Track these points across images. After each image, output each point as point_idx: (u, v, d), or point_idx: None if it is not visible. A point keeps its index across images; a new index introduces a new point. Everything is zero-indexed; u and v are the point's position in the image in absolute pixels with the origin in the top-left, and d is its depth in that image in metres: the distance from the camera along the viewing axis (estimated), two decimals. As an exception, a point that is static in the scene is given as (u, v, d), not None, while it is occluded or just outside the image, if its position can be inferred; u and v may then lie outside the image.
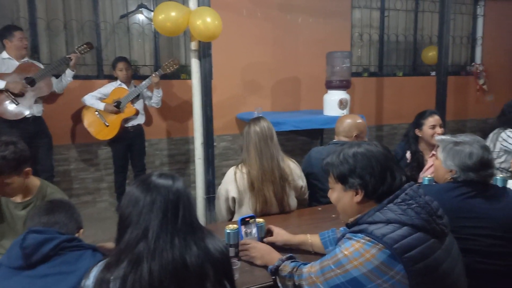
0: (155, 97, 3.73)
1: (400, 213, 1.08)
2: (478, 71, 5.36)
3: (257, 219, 1.64)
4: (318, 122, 3.97)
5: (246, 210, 2.01)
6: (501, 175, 2.03)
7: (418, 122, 2.63)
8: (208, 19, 2.79)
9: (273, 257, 1.44)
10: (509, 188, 1.59)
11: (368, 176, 1.15)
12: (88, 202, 4.07)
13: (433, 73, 4.91)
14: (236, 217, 2.06)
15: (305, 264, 1.26)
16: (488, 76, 5.40)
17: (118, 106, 3.58)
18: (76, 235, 1.38)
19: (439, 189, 1.51)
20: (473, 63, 5.48)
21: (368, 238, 1.06)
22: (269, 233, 1.66)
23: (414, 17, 5.21)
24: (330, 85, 3.99)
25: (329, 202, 1.34)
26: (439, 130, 2.55)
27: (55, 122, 3.66)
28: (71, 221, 1.37)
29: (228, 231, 1.55)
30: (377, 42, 5.10)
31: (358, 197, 1.17)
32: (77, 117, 3.83)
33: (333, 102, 3.93)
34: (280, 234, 1.63)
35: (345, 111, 3.88)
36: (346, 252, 1.08)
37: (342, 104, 3.89)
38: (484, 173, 1.47)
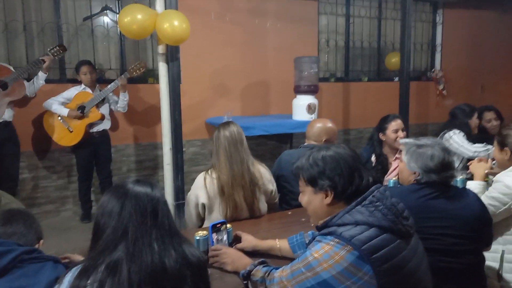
0: (121, 101, 3.64)
1: (368, 215, 1.11)
2: (438, 76, 5.61)
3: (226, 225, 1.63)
4: (288, 127, 4.01)
5: (216, 216, 2.00)
6: (461, 177, 2.12)
7: (381, 126, 2.71)
8: (176, 23, 2.76)
9: (245, 262, 1.43)
10: (468, 189, 1.67)
11: (337, 177, 1.18)
12: (51, 212, 3.89)
13: (396, 79, 5.10)
14: (206, 223, 2.04)
15: (277, 268, 1.26)
16: (447, 82, 5.67)
17: (82, 111, 3.46)
18: (36, 246, 1.32)
19: (403, 191, 1.56)
20: (433, 69, 5.73)
21: (337, 240, 1.08)
22: (237, 239, 1.66)
23: (378, 24, 5.40)
24: (298, 90, 4.04)
25: (299, 205, 1.35)
26: (401, 134, 2.64)
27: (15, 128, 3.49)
28: (30, 231, 1.31)
29: (197, 237, 1.53)
30: (343, 48, 5.23)
31: (328, 199, 1.20)
32: (38, 123, 3.66)
33: (301, 107, 3.98)
34: (248, 240, 1.64)
35: (313, 116, 3.94)
36: (316, 255, 1.09)
37: (310, 108, 3.96)
38: (445, 175, 1.53)
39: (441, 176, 1.53)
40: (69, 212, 3.96)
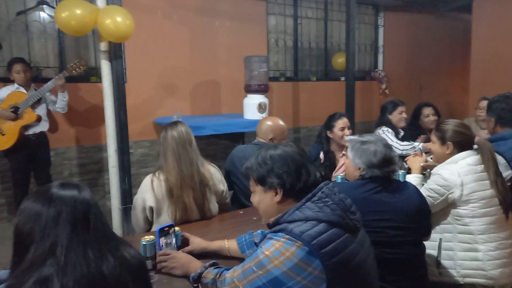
0: (60, 102, 3.41)
1: (317, 210, 1.13)
2: (381, 76, 5.90)
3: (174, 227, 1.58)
4: (239, 126, 3.99)
5: (165, 219, 1.93)
6: (402, 171, 2.24)
7: (329, 124, 2.80)
8: (119, 19, 2.63)
9: (195, 265, 1.40)
10: (409, 182, 1.76)
11: (285, 174, 1.20)
12: (-18, 222, 3.56)
13: (343, 78, 5.28)
14: (155, 227, 1.96)
15: (228, 269, 1.25)
16: (389, 81, 5.98)
17: (15, 112, 3.20)
18: None
19: (349, 186, 1.62)
20: (376, 69, 6.02)
21: (287, 236, 1.09)
22: (186, 242, 1.62)
23: (324, 26, 5.56)
24: (249, 89, 4.05)
25: (250, 202, 1.36)
26: (347, 131, 2.74)
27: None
28: None
29: (144, 243, 1.46)
30: (292, 48, 5.32)
31: (278, 197, 1.22)
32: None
33: (252, 106, 3.99)
34: (196, 242, 1.61)
35: (264, 115, 3.97)
36: (267, 253, 1.09)
37: (261, 107, 3.98)
38: (387, 169, 1.60)
39: (383, 171, 1.59)
40: (4, 222, 3.65)
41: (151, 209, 1.94)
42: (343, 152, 2.71)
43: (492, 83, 5.08)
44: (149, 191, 1.92)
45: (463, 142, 1.90)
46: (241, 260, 1.44)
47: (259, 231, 1.58)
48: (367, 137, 1.67)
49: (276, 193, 1.22)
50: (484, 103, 3.06)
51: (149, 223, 2.01)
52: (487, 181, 1.80)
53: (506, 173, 1.99)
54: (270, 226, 1.24)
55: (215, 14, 4.54)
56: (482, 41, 5.56)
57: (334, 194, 1.18)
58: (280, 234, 1.11)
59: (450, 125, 1.95)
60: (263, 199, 1.26)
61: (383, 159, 1.58)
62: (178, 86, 4.41)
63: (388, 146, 1.64)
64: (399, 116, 3.21)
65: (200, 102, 4.55)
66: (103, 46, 2.82)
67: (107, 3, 2.77)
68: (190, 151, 1.97)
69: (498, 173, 1.79)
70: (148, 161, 4.30)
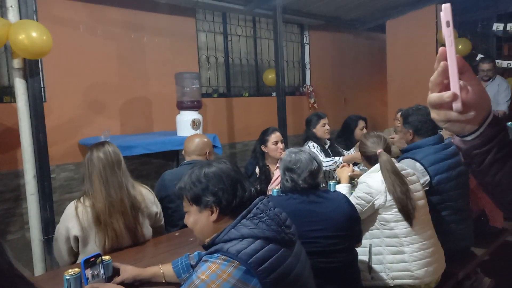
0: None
1: (253, 227, 1.12)
2: (309, 91, 6.19)
3: (104, 257, 1.46)
4: (172, 144, 3.88)
5: (92, 248, 1.79)
6: (333, 181, 2.35)
7: (263, 139, 2.85)
8: (34, 34, 2.44)
9: None
10: (339, 192, 1.84)
11: (220, 192, 1.18)
12: None
13: (274, 94, 5.44)
14: (81, 258, 1.80)
15: None
16: (317, 95, 6.29)
17: None
18: None
19: (282, 199, 1.66)
20: (304, 85, 6.30)
21: (224, 257, 1.07)
22: (116, 271, 1.51)
23: (254, 43, 5.70)
24: (181, 106, 3.97)
25: (186, 225, 1.31)
26: (280, 145, 2.82)
27: None
28: None
29: (67, 277, 1.33)
30: (223, 65, 5.36)
31: (214, 216, 1.19)
32: None
33: (186, 123, 3.92)
34: (128, 270, 1.50)
35: (198, 131, 3.92)
36: (203, 277, 1.05)
37: (195, 124, 3.92)
38: (315, 181, 1.67)
39: (311, 182, 1.65)
40: None
41: (76, 238, 1.79)
42: (277, 165, 2.77)
43: (407, 95, 5.59)
44: (73, 218, 1.77)
45: (368, 154, 2.07)
46: (177, 285, 1.38)
47: (195, 253, 1.52)
48: (293, 150, 1.74)
49: (212, 212, 1.19)
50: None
51: (74, 254, 1.84)
52: None
53: (424, 179, 2.17)
54: (205, 247, 1.20)
55: (143, 29, 4.42)
56: (395, 57, 6.13)
57: (269, 209, 1.18)
58: (216, 255, 1.09)
59: (364, 138, 2.12)
60: (198, 219, 1.22)
61: (310, 171, 1.64)
62: (105, 104, 4.18)
63: (315, 158, 1.70)
64: (322, 128, 3.34)
65: (130, 120, 4.36)
66: (16, 63, 2.59)
67: (20, 18, 2.56)
68: (119, 174, 1.85)
69: (396, 182, 1.85)
70: (73, 186, 3.99)
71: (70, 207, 1.81)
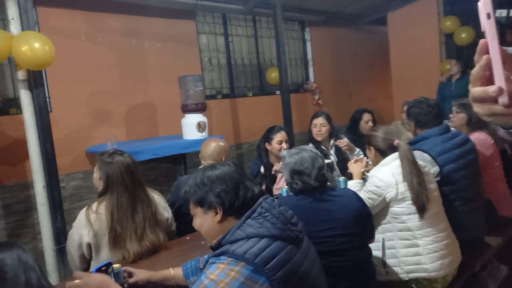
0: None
1: (258, 226, 1.14)
2: (313, 88, 6.16)
3: (114, 265, 1.46)
4: (179, 147, 3.88)
5: (105, 254, 1.79)
6: (342, 178, 2.32)
7: (267, 136, 2.83)
8: (36, 45, 2.45)
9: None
10: (348, 188, 1.83)
11: (223, 193, 1.20)
12: None
13: (278, 92, 5.42)
14: (93, 265, 1.81)
15: None
16: (321, 92, 6.26)
17: None
18: None
19: (293, 199, 1.65)
20: (308, 81, 6.28)
21: (230, 258, 1.09)
22: (129, 275, 1.53)
23: (255, 42, 5.69)
24: (186, 109, 3.98)
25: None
26: (284, 145, 2.79)
27: None
28: None
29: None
30: (226, 66, 5.36)
31: (218, 216, 1.21)
32: None
33: (191, 126, 3.92)
34: (140, 273, 1.54)
35: (204, 134, 3.91)
36: (212, 277, 1.07)
37: (200, 127, 3.92)
38: (324, 177, 1.66)
39: (322, 178, 1.65)
40: None
41: (89, 245, 1.79)
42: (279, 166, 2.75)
43: (412, 88, 5.55)
44: (86, 226, 1.78)
45: (381, 147, 2.03)
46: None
47: (205, 256, 1.53)
48: (293, 151, 1.74)
49: (216, 213, 1.21)
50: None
51: (87, 262, 1.85)
52: None
53: (433, 169, 2.15)
54: (213, 248, 1.22)
55: (143, 36, 4.43)
56: (398, 49, 6.08)
57: (273, 208, 1.20)
58: (223, 257, 1.10)
59: (374, 131, 2.09)
60: (204, 220, 1.25)
61: (318, 168, 1.64)
62: (110, 112, 4.20)
63: (316, 156, 1.69)
64: (365, 125, 3.45)
65: (135, 126, 4.37)
66: (21, 75, 2.61)
67: (22, 29, 2.58)
68: (135, 180, 1.86)
69: (413, 173, 1.85)
70: (82, 194, 4.00)
71: (82, 214, 1.82)
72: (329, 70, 6.49)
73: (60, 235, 2.70)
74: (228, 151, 2.44)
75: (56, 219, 2.70)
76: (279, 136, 2.78)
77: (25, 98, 2.64)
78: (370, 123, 3.55)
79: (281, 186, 2.71)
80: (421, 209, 1.83)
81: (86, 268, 1.87)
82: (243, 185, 1.23)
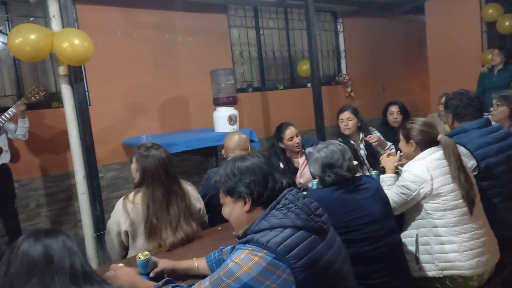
0: (21, 128, 3.25)
1: (282, 217, 1.17)
2: (345, 80, 6.05)
3: (143, 254, 1.54)
4: (210, 140, 3.96)
5: (141, 243, 1.87)
6: (375, 171, 2.28)
7: (278, 136, 2.85)
8: (76, 41, 2.56)
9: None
10: (371, 176, 1.84)
11: (252, 184, 1.24)
12: None
13: (309, 85, 5.37)
14: (131, 253, 1.90)
15: (191, 285, 1.26)
16: (354, 84, 6.14)
17: (-28, 146, 3.03)
18: None
19: (323, 193, 1.67)
20: (340, 74, 6.17)
21: (254, 246, 1.13)
22: (155, 265, 1.60)
23: (286, 35, 5.65)
24: (218, 102, 4.03)
25: None
26: (296, 139, 2.78)
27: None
28: None
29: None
30: (257, 59, 5.36)
31: (247, 206, 1.25)
32: None
33: (222, 119, 3.97)
34: (165, 262, 1.60)
35: (235, 127, 3.96)
36: (236, 260, 1.12)
37: (231, 120, 3.97)
38: (354, 167, 1.69)
39: (353, 168, 1.68)
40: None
41: (126, 233, 1.88)
42: (300, 156, 2.81)
43: (450, 79, 5.32)
44: (123, 214, 1.86)
45: (424, 140, 1.96)
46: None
47: (229, 247, 1.57)
48: (319, 146, 1.77)
49: (245, 203, 1.25)
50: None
51: (125, 248, 1.93)
52: None
53: (470, 163, 2.07)
54: (240, 237, 1.26)
55: (176, 30, 4.52)
56: (436, 40, 5.84)
57: (297, 200, 1.22)
58: (247, 245, 1.15)
59: (413, 123, 2.01)
60: (233, 209, 1.29)
61: (348, 158, 1.68)
62: (144, 105, 4.33)
63: (343, 148, 1.72)
64: (391, 117, 3.41)
65: (168, 119, 4.49)
66: (62, 70, 2.74)
67: (63, 26, 2.70)
68: (170, 173, 1.93)
69: (461, 169, 1.82)
70: (119, 184, 4.17)
71: (120, 204, 1.90)
72: (362, 61, 6.33)
73: (99, 223, 2.84)
74: (248, 141, 2.50)
75: (95, 208, 2.83)
76: (289, 133, 2.78)
77: (66, 92, 2.77)
78: (396, 115, 3.45)
79: (304, 174, 2.72)
80: (471, 204, 1.78)
81: (125, 255, 1.96)
82: (272, 177, 1.26)
